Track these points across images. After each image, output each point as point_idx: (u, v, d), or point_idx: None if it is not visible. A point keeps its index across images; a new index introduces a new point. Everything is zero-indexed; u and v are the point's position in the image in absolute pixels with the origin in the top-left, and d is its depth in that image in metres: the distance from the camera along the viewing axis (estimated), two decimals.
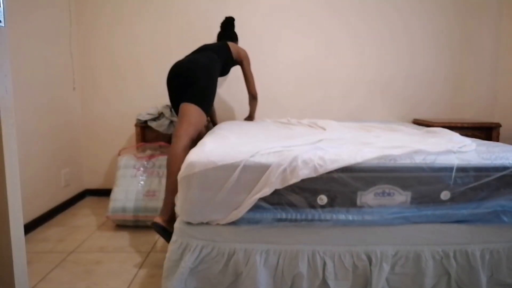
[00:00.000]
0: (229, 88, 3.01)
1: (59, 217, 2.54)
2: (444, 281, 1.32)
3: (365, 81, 2.98)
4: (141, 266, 1.82)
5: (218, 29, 2.83)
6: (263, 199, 1.28)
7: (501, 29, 2.93)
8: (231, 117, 3.02)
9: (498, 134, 2.73)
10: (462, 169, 1.30)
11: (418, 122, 2.85)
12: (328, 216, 1.29)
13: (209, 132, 2.22)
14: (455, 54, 2.98)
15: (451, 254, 1.32)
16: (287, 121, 2.59)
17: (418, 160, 1.32)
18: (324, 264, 1.30)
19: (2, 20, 1.15)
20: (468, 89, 3.02)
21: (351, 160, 1.28)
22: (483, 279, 1.31)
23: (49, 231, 2.29)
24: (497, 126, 2.72)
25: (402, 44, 2.95)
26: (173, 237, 1.36)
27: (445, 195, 1.31)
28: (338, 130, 2.00)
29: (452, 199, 1.32)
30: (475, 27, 2.95)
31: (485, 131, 2.68)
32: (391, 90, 3.00)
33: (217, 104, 2.98)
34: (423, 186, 1.31)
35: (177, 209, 1.38)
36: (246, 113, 2.93)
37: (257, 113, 3.01)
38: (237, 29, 2.89)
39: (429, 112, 3.03)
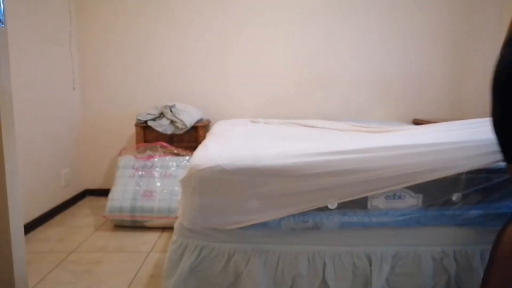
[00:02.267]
0: (224, 85, 3.00)
1: (59, 217, 2.54)
2: (444, 281, 1.32)
3: (366, 81, 2.98)
4: (141, 266, 1.82)
5: (218, 26, 2.84)
6: (268, 204, 1.26)
7: (501, 28, 2.93)
8: (224, 115, 2.99)
9: None
10: (474, 170, 1.28)
11: (418, 122, 2.85)
12: (336, 219, 1.27)
13: (209, 133, 2.22)
14: (455, 54, 2.97)
15: (451, 255, 1.31)
16: (281, 122, 2.58)
17: (430, 161, 1.30)
18: (324, 264, 1.29)
19: (2, 20, 1.15)
20: (468, 88, 3.02)
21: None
22: None
23: (49, 231, 2.29)
24: None
25: (402, 44, 2.95)
26: (173, 237, 1.36)
27: (456, 197, 1.29)
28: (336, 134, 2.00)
29: (463, 201, 1.30)
30: (475, 27, 2.95)
31: None
32: (391, 90, 3.00)
33: (213, 102, 2.99)
34: (435, 188, 1.28)
35: (179, 214, 1.37)
36: (240, 111, 2.92)
37: (256, 113, 3.01)
38: (237, 29, 2.90)
39: (429, 112, 3.03)
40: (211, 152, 1.41)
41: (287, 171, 1.25)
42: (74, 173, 2.86)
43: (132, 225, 2.30)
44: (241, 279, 1.29)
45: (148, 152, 2.58)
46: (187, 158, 2.52)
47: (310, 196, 1.27)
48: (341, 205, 1.28)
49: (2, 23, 1.15)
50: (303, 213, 1.28)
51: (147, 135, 2.69)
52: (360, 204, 1.29)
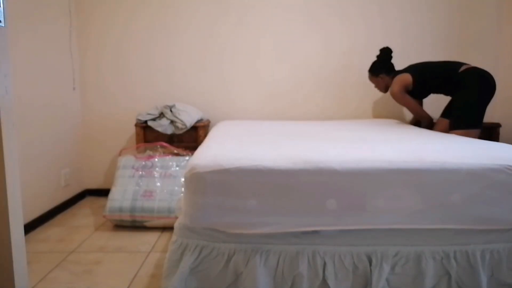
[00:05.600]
0: (224, 85, 3.00)
1: (59, 217, 2.54)
2: (444, 281, 1.32)
3: (365, 81, 2.98)
4: (141, 266, 1.82)
5: (218, 26, 2.84)
6: (267, 204, 1.27)
7: (501, 28, 2.93)
8: (224, 115, 2.99)
9: (498, 134, 2.73)
10: (474, 170, 1.28)
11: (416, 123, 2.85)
12: (336, 221, 1.27)
13: (210, 133, 2.22)
14: (454, 54, 2.97)
15: (451, 255, 1.31)
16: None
17: (429, 162, 1.30)
18: (324, 264, 1.29)
19: (2, 20, 1.15)
20: None
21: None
22: (484, 279, 1.30)
23: (49, 231, 2.29)
24: (497, 126, 2.72)
25: (401, 44, 2.95)
26: (173, 237, 1.36)
27: (456, 197, 1.28)
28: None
29: (463, 202, 1.28)
30: (474, 27, 2.95)
31: (485, 131, 2.68)
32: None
33: (213, 102, 2.99)
34: (434, 188, 1.28)
35: (180, 213, 1.37)
36: (241, 111, 2.93)
37: (256, 113, 3.02)
38: (237, 29, 2.89)
39: (429, 112, 3.03)
40: (213, 152, 1.41)
41: (288, 172, 1.26)
42: (74, 173, 2.86)
43: (132, 225, 2.30)
44: (241, 279, 1.29)
45: (148, 152, 2.58)
46: (187, 158, 2.52)
47: (310, 197, 1.27)
48: (341, 206, 1.28)
49: (2, 23, 1.15)
50: (303, 215, 1.28)
51: (147, 135, 2.70)
52: (359, 205, 1.29)
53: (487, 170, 1.28)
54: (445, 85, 2.42)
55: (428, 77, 2.45)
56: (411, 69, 2.52)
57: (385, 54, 2.64)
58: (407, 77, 2.45)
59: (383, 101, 3.02)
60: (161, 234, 2.21)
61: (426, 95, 2.61)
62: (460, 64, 2.38)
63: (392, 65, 2.65)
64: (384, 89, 2.66)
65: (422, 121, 2.60)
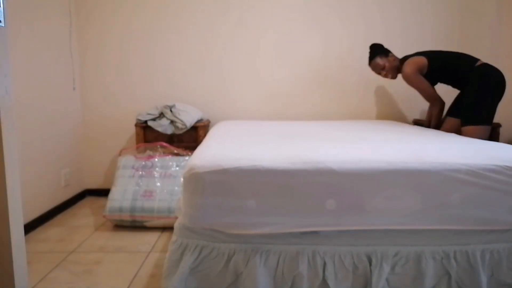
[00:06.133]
0: (224, 85, 3.00)
1: (59, 217, 2.54)
2: (444, 282, 1.32)
3: (365, 81, 2.98)
4: (141, 266, 1.82)
5: (218, 26, 2.85)
6: (267, 204, 1.27)
7: (500, 28, 2.93)
8: (224, 115, 3.00)
9: (498, 134, 2.72)
10: (473, 170, 1.28)
11: (419, 122, 2.85)
12: (335, 221, 1.27)
13: (209, 133, 2.22)
14: None
15: (451, 255, 1.31)
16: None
17: (428, 162, 1.30)
18: (324, 264, 1.29)
19: (2, 20, 1.15)
20: None
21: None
22: (484, 279, 1.30)
23: (49, 231, 2.29)
24: (497, 126, 2.71)
25: (401, 44, 2.95)
26: (173, 237, 1.36)
27: (456, 197, 1.28)
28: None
29: (463, 202, 1.28)
30: (474, 27, 2.95)
31: None
32: (391, 89, 3.00)
33: (213, 102, 2.99)
34: (434, 189, 1.28)
35: (179, 213, 1.37)
36: (240, 111, 2.93)
37: (256, 113, 3.01)
38: (237, 29, 2.90)
39: None
40: (212, 152, 1.41)
41: (287, 172, 1.26)
42: (74, 173, 2.86)
43: (132, 225, 2.30)
44: (241, 279, 1.29)
45: (148, 152, 2.58)
46: (187, 158, 2.52)
47: (310, 197, 1.27)
48: (340, 206, 1.28)
49: (2, 23, 1.15)
50: (302, 216, 1.27)
51: (147, 135, 2.70)
52: (358, 205, 1.28)
53: (487, 171, 1.28)
54: (459, 77, 2.35)
55: (444, 65, 2.37)
56: (426, 53, 2.41)
57: (376, 46, 2.59)
58: (423, 60, 2.36)
59: (383, 101, 3.02)
60: (161, 234, 2.22)
61: (435, 83, 2.51)
62: (476, 59, 2.33)
63: None
64: (395, 72, 2.52)
65: (433, 105, 2.49)
